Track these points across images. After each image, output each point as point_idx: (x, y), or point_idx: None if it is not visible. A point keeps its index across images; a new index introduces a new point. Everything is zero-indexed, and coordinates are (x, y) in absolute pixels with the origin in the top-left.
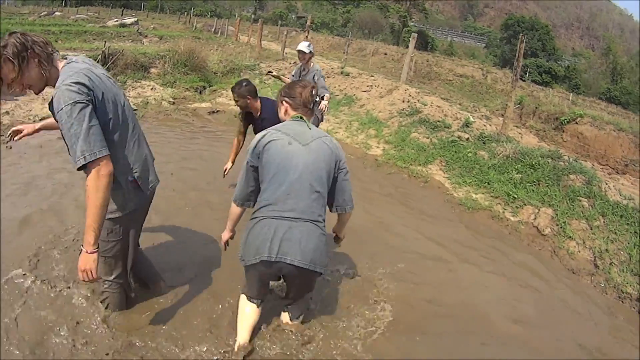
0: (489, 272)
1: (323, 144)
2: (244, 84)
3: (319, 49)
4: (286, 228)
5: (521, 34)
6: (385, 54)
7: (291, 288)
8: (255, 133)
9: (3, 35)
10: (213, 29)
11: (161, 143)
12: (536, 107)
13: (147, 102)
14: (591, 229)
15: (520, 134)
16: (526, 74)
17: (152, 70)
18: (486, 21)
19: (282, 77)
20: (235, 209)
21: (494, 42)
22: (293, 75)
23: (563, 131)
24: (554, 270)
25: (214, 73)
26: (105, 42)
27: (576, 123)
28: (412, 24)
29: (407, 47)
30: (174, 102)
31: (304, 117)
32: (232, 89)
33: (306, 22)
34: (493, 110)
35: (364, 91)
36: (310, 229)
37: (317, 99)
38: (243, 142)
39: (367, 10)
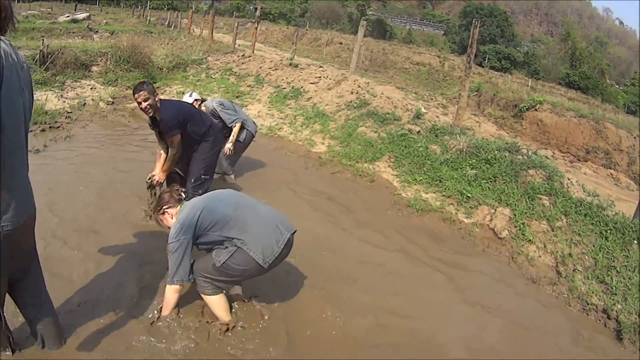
0: (440, 289)
1: None
2: (145, 82)
3: (273, 40)
4: None
5: (474, 19)
6: (341, 43)
7: None
8: (160, 138)
9: None
10: (167, 22)
11: (85, 148)
12: (494, 95)
13: (85, 104)
14: (553, 231)
15: (478, 122)
16: (485, 59)
17: (94, 68)
18: (445, 9)
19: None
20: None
21: (453, 30)
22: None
23: (522, 118)
24: (512, 280)
25: (160, 69)
26: (43, 39)
27: (536, 110)
28: (370, 12)
29: (364, 36)
30: (113, 102)
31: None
32: (137, 91)
33: (260, 12)
34: (450, 98)
35: (312, 83)
36: None
37: None
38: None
39: (325, 0)
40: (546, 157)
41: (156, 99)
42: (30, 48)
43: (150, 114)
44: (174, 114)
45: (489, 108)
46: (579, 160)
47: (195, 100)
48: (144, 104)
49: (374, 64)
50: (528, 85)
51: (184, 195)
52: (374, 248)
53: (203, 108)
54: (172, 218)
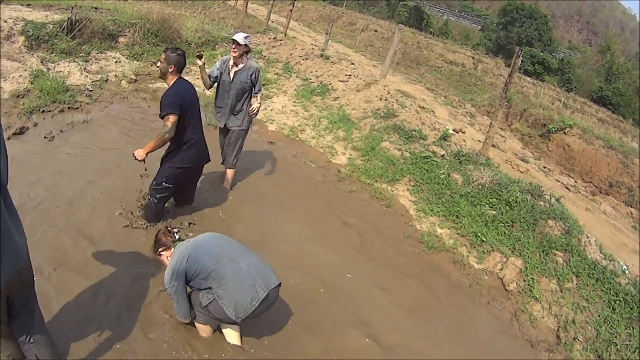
0: (439, 340)
1: None
2: (178, 52)
3: (308, 19)
4: None
5: (518, 49)
6: (376, 30)
7: None
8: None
9: None
10: None
11: (99, 140)
12: (524, 110)
13: (107, 80)
14: (561, 292)
15: (503, 137)
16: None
17: (121, 39)
18: (485, 3)
19: (202, 71)
20: None
21: (490, 27)
22: (218, 69)
23: (549, 140)
24: (511, 341)
25: (188, 44)
26: (72, 8)
27: (564, 133)
28: None
29: (401, 22)
30: (135, 80)
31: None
32: (165, 50)
33: None
34: (479, 106)
35: (341, 81)
36: None
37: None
38: None
39: None
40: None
41: (170, 69)
42: (61, 7)
43: (159, 76)
44: (179, 93)
45: (517, 123)
46: (600, 192)
47: (246, 46)
48: (157, 64)
49: (406, 57)
50: (561, 101)
51: (176, 237)
52: (382, 290)
53: (246, 59)
54: (167, 259)
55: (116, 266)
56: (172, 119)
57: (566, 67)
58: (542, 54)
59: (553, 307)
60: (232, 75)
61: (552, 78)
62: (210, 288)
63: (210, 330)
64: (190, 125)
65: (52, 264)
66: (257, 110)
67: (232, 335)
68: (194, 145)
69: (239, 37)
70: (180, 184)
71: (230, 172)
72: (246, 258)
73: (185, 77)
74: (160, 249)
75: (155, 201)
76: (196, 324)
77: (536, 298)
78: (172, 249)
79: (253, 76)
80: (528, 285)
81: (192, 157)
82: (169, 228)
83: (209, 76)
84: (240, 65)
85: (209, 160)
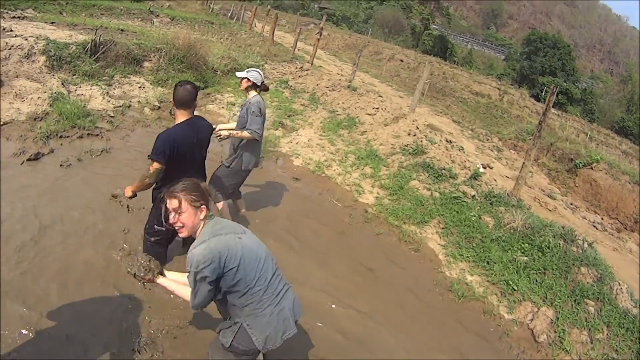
0: None
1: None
2: (183, 85)
3: (334, 47)
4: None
5: (550, 91)
6: (402, 60)
7: None
8: None
9: None
10: (230, 14)
11: (116, 175)
12: (551, 144)
13: (129, 106)
14: (591, 343)
15: (530, 172)
16: (542, 92)
17: (146, 64)
18: (509, 32)
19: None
20: None
21: (514, 56)
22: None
23: (576, 175)
24: None
25: (214, 71)
26: (96, 29)
27: (591, 168)
28: (434, 27)
29: (425, 51)
30: (159, 107)
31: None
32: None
33: (325, 17)
34: (506, 139)
35: (369, 114)
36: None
37: None
38: None
39: (390, 9)
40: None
41: (173, 104)
42: (86, 28)
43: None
44: (174, 140)
45: (544, 157)
46: (626, 228)
47: (246, 79)
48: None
49: (432, 88)
50: (587, 134)
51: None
52: (408, 342)
53: (250, 94)
54: (198, 222)
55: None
56: (155, 166)
57: (589, 97)
58: (565, 84)
59: None
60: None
61: (575, 108)
62: (239, 314)
63: None
64: (184, 168)
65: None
66: (224, 137)
67: None
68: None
69: (241, 73)
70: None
71: (219, 205)
72: (284, 282)
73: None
74: (198, 201)
75: (150, 244)
76: None
77: (566, 350)
78: (207, 222)
79: (249, 111)
80: (559, 336)
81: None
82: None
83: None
84: (246, 100)
85: None
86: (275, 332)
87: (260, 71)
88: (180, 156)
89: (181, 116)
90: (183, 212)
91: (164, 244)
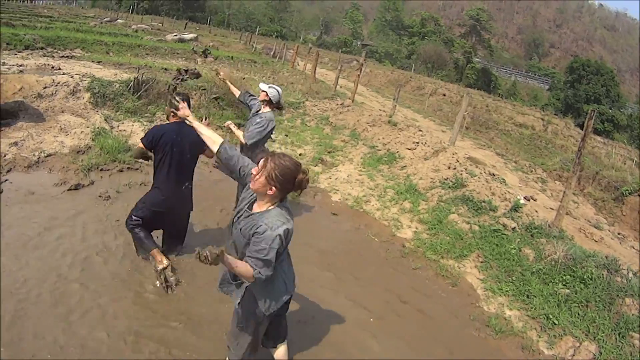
0: None
1: None
2: (182, 98)
3: (376, 84)
4: None
5: (591, 110)
6: (444, 95)
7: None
8: None
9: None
10: (272, 52)
11: None
12: (596, 173)
13: None
14: None
15: (576, 203)
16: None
17: None
18: (551, 61)
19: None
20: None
21: (558, 85)
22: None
23: (623, 203)
24: None
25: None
26: (139, 68)
27: (638, 195)
28: (476, 60)
29: (469, 85)
30: None
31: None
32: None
33: (366, 53)
34: (550, 170)
35: (409, 148)
36: None
37: None
38: None
39: (432, 44)
40: None
41: (170, 113)
42: (131, 67)
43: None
44: (160, 130)
45: (590, 187)
46: None
47: (265, 92)
48: (167, 110)
49: (475, 122)
50: (633, 160)
51: None
52: None
53: (265, 107)
54: (266, 195)
55: None
56: (139, 144)
57: (635, 122)
58: (610, 110)
59: None
60: None
61: (621, 135)
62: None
63: None
64: (164, 168)
65: None
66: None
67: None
68: (163, 191)
69: (264, 85)
70: (154, 225)
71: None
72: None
73: None
74: (273, 180)
75: (130, 232)
76: None
77: None
78: (279, 205)
79: (254, 121)
80: None
81: (160, 202)
82: None
83: None
84: (260, 111)
85: (189, 210)
86: (279, 299)
87: (280, 90)
88: (160, 147)
89: (174, 120)
90: (259, 178)
91: (144, 232)
